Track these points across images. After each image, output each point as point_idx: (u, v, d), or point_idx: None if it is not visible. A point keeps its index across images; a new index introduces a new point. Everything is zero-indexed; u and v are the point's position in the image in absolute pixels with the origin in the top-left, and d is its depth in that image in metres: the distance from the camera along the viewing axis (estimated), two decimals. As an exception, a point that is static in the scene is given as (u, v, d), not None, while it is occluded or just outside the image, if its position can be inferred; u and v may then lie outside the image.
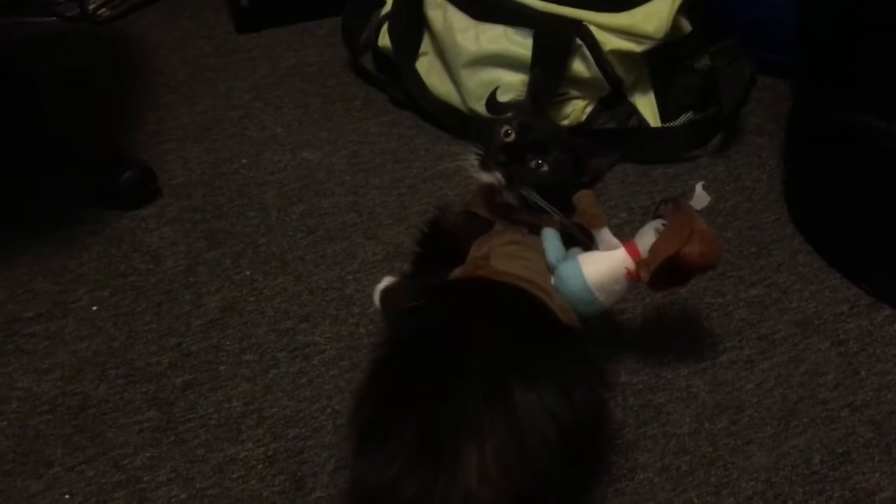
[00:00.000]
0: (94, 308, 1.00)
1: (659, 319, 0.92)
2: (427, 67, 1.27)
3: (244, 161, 1.23)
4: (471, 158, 0.80)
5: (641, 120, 1.18)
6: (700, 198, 0.78)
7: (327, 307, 0.99)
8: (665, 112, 1.18)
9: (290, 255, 1.06)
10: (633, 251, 0.76)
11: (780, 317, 0.92)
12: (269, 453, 0.84)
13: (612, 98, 1.18)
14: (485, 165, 0.78)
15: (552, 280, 0.77)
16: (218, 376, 0.91)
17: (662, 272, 0.74)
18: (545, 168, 0.78)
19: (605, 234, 0.77)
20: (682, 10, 1.11)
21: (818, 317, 0.91)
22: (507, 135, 0.80)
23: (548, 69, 1.14)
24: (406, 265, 0.92)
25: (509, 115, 0.83)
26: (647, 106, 1.18)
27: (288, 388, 0.90)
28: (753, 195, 1.09)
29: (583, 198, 0.77)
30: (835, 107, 0.95)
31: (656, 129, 1.17)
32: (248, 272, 1.04)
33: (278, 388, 0.90)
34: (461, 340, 0.69)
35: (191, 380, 0.91)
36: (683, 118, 1.19)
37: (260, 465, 0.83)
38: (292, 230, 1.10)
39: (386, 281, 0.96)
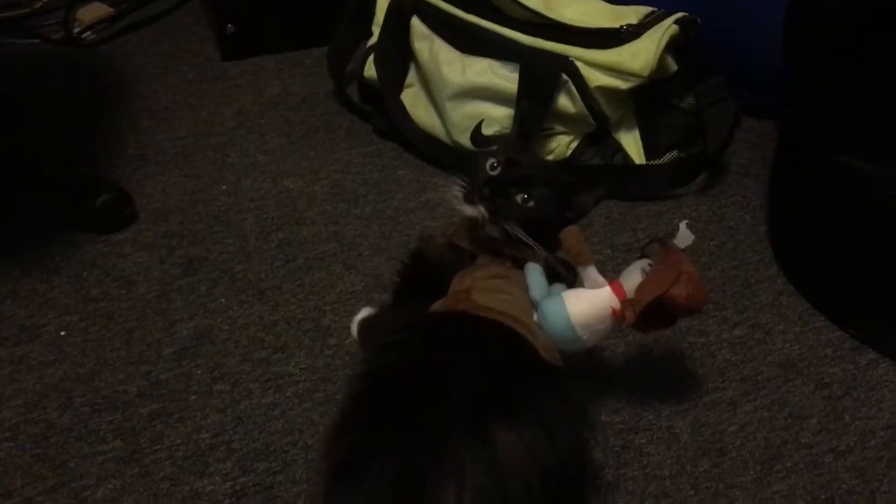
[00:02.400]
0: (63, 333, 0.97)
1: (641, 358, 0.90)
2: (412, 99, 1.27)
3: (224, 187, 1.21)
4: (455, 191, 0.79)
5: (626, 157, 1.17)
6: (683, 236, 0.77)
7: (303, 338, 0.96)
8: (650, 150, 1.17)
9: (266, 283, 1.04)
10: (618, 290, 0.74)
11: (763, 358, 0.90)
12: (237, 488, 0.81)
13: (598, 134, 1.17)
14: (469, 199, 0.77)
15: (535, 316, 0.75)
16: (187, 406, 0.89)
17: (648, 313, 0.72)
18: (530, 203, 0.77)
19: (591, 272, 0.75)
20: (668, 49, 1.11)
21: (802, 359, 0.90)
22: (492, 168, 0.79)
23: (534, 104, 1.14)
24: (386, 296, 0.90)
25: (494, 148, 0.82)
26: (632, 143, 1.17)
27: (259, 421, 0.87)
28: (737, 235, 1.08)
29: (569, 234, 0.76)
30: (819, 149, 0.95)
31: (641, 166, 1.17)
32: (223, 300, 1.02)
33: (249, 420, 0.87)
34: (441, 377, 0.67)
35: (159, 409, 0.88)
36: (668, 156, 1.18)
37: (227, 501, 0.80)
38: (270, 258, 1.08)
39: (364, 312, 0.94)
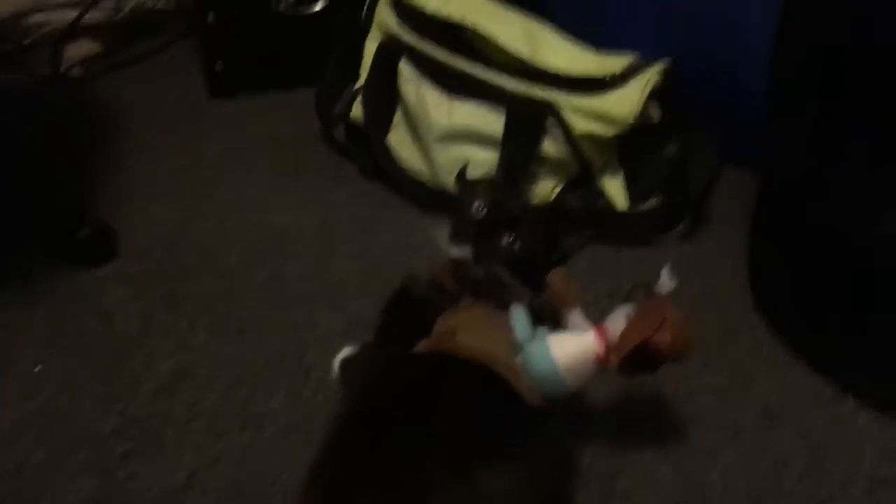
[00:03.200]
0: (38, 368, 0.95)
1: (624, 403, 0.90)
2: (398, 141, 1.27)
3: (209, 223, 1.21)
4: (440, 232, 0.79)
5: (610, 202, 1.18)
6: (666, 282, 0.78)
7: (284, 376, 0.95)
8: (633, 195, 1.18)
9: (249, 320, 1.03)
10: (603, 335, 0.75)
11: (745, 405, 0.90)
12: (213, 529, 0.79)
13: (581, 179, 1.19)
14: (454, 240, 0.78)
15: (519, 359, 0.75)
16: (163, 445, 0.87)
17: (632, 359, 0.73)
18: (516, 245, 0.77)
19: (577, 316, 0.76)
20: (652, 97, 1.13)
21: (783, 406, 0.90)
22: (478, 210, 0.79)
23: (519, 148, 1.15)
24: (369, 336, 0.89)
25: (481, 190, 0.83)
26: (615, 189, 1.19)
27: (236, 460, 0.86)
28: (719, 282, 1.09)
29: (556, 277, 0.76)
30: (804, 202, 0.96)
31: (624, 212, 1.18)
32: (203, 336, 1.01)
33: (226, 460, 0.86)
34: (424, 418, 0.66)
35: (134, 447, 0.87)
36: (651, 202, 1.19)
37: (202, 542, 0.78)
38: (254, 295, 1.07)
39: (346, 351, 0.93)
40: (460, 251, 0.78)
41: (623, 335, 0.73)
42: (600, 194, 1.19)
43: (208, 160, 1.34)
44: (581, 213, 1.18)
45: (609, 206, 1.18)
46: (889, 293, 0.88)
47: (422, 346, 0.77)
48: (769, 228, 1.07)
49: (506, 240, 0.77)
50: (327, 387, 0.93)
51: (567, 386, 0.75)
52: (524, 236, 0.78)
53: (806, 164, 0.96)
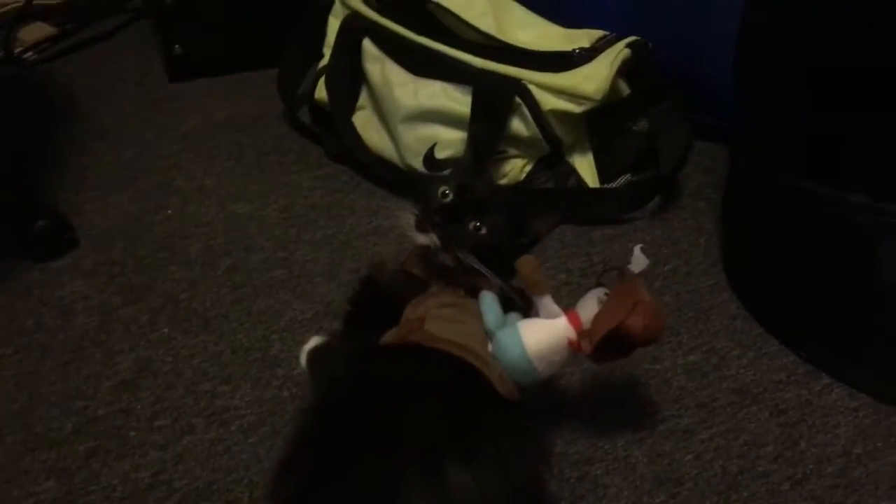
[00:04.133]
0: (-7, 366, 0.92)
1: (596, 387, 0.88)
2: (364, 122, 1.24)
3: (169, 212, 1.17)
4: (407, 217, 0.77)
5: (580, 181, 1.16)
6: (638, 261, 0.75)
7: (250, 368, 0.93)
8: (604, 173, 1.17)
9: (212, 312, 1.00)
10: (575, 321, 0.73)
11: (718, 384, 0.89)
12: (178, 529, 0.77)
13: (551, 158, 1.16)
14: (421, 226, 0.75)
15: (489, 346, 0.73)
16: (126, 443, 0.84)
17: (605, 344, 0.71)
18: (483, 230, 0.75)
19: (548, 302, 0.74)
20: (621, 73, 1.11)
21: (757, 385, 0.89)
22: (444, 195, 0.76)
23: (487, 127, 1.13)
24: (336, 325, 0.87)
25: (447, 173, 0.80)
26: (586, 167, 1.17)
27: (202, 457, 0.83)
28: (691, 259, 1.08)
29: (526, 263, 0.74)
30: (774, 172, 0.94)
31: (595, 189, 1.16)
32: (165, 330, 0.98)
33: (191, 457, 0.83)
34: (394, 412, 0.64)
35: (95, 447, 0.84)
36: (622, 180, 1.18)
37: (167, 543, 0.76)
38: (216, 286, 1.04)
39: (314, 341, 0.91)
40: (427, 237, 0.75)
41: (595, 321, 0.71)
42: (570, 172, 1.17)
43: (168, 147, 1.31)
44: (552, 192, 1.16)
45: (580, 185, 1.16)
46: (860, 269, 0.87)
47: (390, 335, 0.75)
48: (740, 203, 1.06)
49: (472, 225, 0.75)
50: (295, 379, 0.91)
51: (539, 373, 0.73)
52: (491, 221, 0.75)
53: (776, 133, 0.95)
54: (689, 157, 1.18)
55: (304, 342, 0.91)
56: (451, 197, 0.77)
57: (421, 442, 0.63)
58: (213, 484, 0.80)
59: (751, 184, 1.00)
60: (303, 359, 0.91)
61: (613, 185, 1.18)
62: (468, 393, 0.68)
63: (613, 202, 1.17)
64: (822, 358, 0.91)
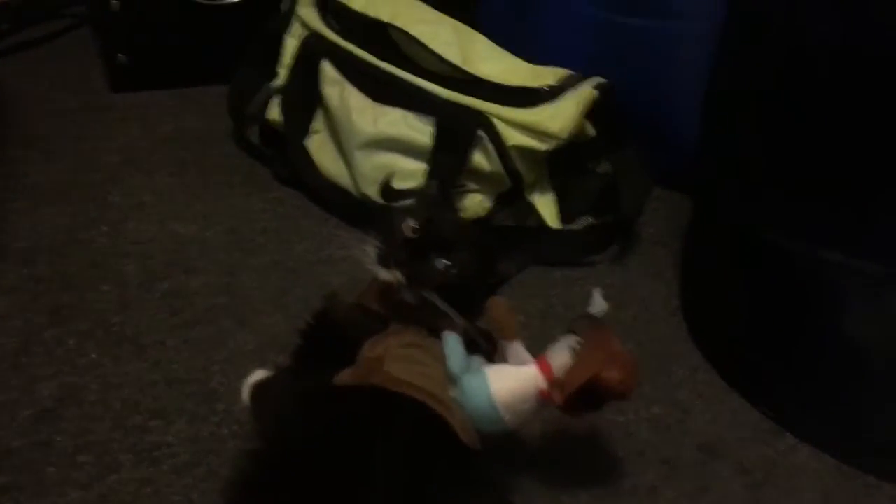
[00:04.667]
0: None
1: (559, 437, 0.84)
2: (318, 146, 1.19)
3: (104, 229, 1.10)
4: (367, 250, 0.72)
5: (540, 220, 1.13)
6: (597, 304, 0.73)
7: (186, 402, 0.86)
8: (564, 214, 1.14)
9: (147, 338, 0.93)
10: (545, 369, 0.69)
11: (682, 439, 0.86)
12: (99, 581, 0.69)
13: (511, 195, 1.13)
14: (384, 262, 0.70)
15: (452, 392, 0.68)
16: (43, 480, 0.76)
17: (577, 396, 0.67)
18: (452, 269, 0.71)
19: (518, 348, 0.70)
20: (586, 113, 1.09)
21: (721, 441, 0.86)
22: (411, 230, 0.72)
23: (449, 159, 1.09)
24: (282, 357, 0.81)
25: (411, 204, 0.76)
26: (546, 206, 1.14)
27: (128, 499, 0.75)
28: (651, 307, 1.05)
29: (497, 306, 0.70)
30: (743, 223, 0.93)
31: (559, 230, 1.13)
32: (94, 355, 0.90)
33: (117, 499, 0.75)
34: (351, 460, 0.59)
35: (9, 483, 0.75)
36: (582, 221, 1.16)
37: None
38: (153, 310, 0.97)
39: (258, 375, 0.84)
40: (390, 274, 0.70)
41: (570, 371, 0.68)
42: (531, 211, 1.14)
43: (105, 159, 1.23)
44: (514, 230, 1.13)
45: (540, 224, 1.13)
46: (829, 324, 0.85)
47: (346, 375, 0.69)
48: (701, 251, 1.05)
49: (440, 263, 0.71)
50: (236, 415, 0.84)
51: (505, 423, 0.68)
52: (459, 259, 0.71)
53: (741, 181, 0.94)
54: (649, 204, 1.17)
55: (247, 375, 0.85)
56: (417, 231, 0.72)
57: (381, 495, 0.58)
58: (140, 530, 0.73)
59: (716, 232, 0.99)
60: (245, 393, 0.84)
61: (574, 226, 1.15)
62: (434, 445, 0.64)
63: (574, 243, 1.14)
64: (784, 415, 0.88)
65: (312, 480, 0.58)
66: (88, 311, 0.95)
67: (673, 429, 0.87)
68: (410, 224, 0.72)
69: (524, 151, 1.08)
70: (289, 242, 1.11)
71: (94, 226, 1.09)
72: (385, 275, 0.71)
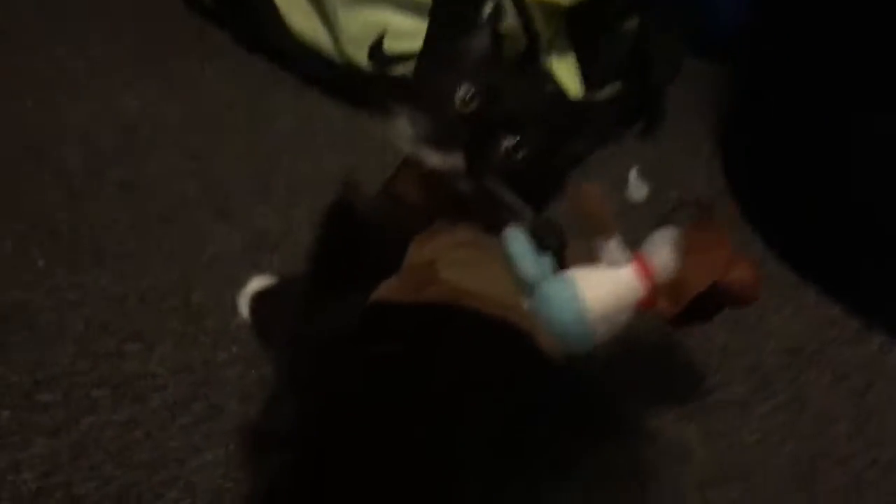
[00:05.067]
0: None
1: (626, 347, 0.71)
2: (289, 1, 0.99)
3: (29, 104, 0.89)
4: (399, 127, 0.56)
5: (559, 88, 0.97)
6: (636, 188, 0.66)
7: (167, 320, 0.69)
8: (587, 81, 0.98)
9: (105, 240, 0.75)
10: (644, 270, 0.55)
11: (765, 342, 0.75)
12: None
13: (523, 57, 0.96)
14: (441, 144, 0.54)
15: (527, 303, 0.54)
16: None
17: (692, 306, 0.54)
18: (520, 152, 0.55)
19: (613, 246, 0.56)
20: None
21: (807, 343, 0.75)
22: (467, 100, 0.56)
23: (453, 15, 0.91)
24: (276, 259, 0.66)
25: (469, 68, 0.59)
26: (566, 72, 0.97)
27: (112, 448, 0.60)
28: (694, 188, 0.92)
29: (590, 195, 0.56)
30: (806, 87, 0.80)
31: (577, 100, 0.97)
32: (41, 263, 0.72)
33: (96, 448, 0.60)
34: (435, 419, 0.44)
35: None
36: (609, 89, 1.00)
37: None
38: (108, 204, 0.79)
39: (257, 282, 0.70)
40: (444, 159, 0.54)
41: (683, 279, 0.54)
42: (548, 78, 0.97)
43: (22, 21, 1.00)
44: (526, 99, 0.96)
45: (560, 93, 0.97)
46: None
47: (390, 287, 0.54)
48: (755, 122, 0.91)
49: (508, 144, 0.55)
50: (232, 335, 0.68)
51: (594, 340, 0.55)
52: (531, 140, 0.56)
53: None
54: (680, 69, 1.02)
55: (240, 283, 0.69)
56: (476, 103, 0.56)
57: (481, 462, 0.44)
58: (133, 487, 0.58)
59: (773, 99, 0.85)
60: (244, 307, 0.69)
61: (598, 95, 0.99)
62: (529, 376, 0.49)
63: (598, 115, 0.98)
64: (876, 310, 0.77)
65: (385, 440, 0.44)
66: (28, 212, 0.77)
67: (753, 331, 0.75)
68: (468, 93, 0.55)
69: (545, 6, 0.91)
70: (262, 119, 0.93)
71: (16, 98, 0.88)
72: (437, 160, 0.55)
